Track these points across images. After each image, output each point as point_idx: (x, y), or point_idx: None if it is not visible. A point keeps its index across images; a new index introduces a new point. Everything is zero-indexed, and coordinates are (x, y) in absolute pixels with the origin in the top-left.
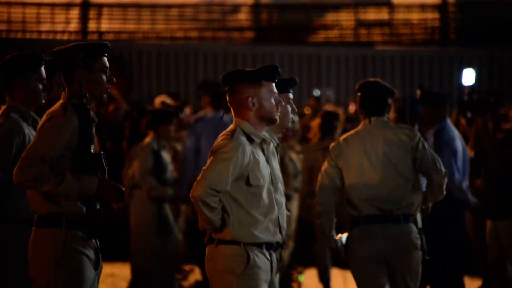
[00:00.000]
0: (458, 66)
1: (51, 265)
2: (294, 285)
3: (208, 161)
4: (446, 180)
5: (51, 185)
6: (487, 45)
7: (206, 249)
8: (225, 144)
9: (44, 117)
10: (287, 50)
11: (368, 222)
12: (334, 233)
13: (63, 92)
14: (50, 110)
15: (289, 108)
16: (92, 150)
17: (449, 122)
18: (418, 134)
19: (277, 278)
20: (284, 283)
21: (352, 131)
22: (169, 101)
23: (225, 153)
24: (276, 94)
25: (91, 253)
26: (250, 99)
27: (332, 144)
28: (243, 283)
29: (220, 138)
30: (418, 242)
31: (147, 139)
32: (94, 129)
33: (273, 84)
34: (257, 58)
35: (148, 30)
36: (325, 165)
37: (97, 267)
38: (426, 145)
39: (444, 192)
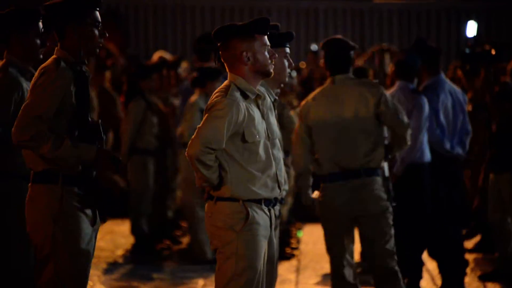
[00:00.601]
0: (456, 19)
1: (48, 222)
2: (293, 241)
3: (203, 119)
4: (409, 131)
5: (49, 148)
6: None
7: (205, 206)
8: (220, 101)
9: (36, 73)
10: (284, 4)
11: (331, 180)
12: (310, 191)
13: (56, 47)
14: (43, 65)
15: (286, 63)
16: (90, 118)
17: (442, 76)
18: (381, 89)
19: (277, 233)
20: (283, 239)
21: (319, 89)
22: (167, 56)
23: (220, 110)
24: (269, 47)
25: (88, 210)
26: (244, 53)
27: (302, 103)
28: (243, 239)
29: (214, 94)
30: (382, 194)
31: (194, 97)
32: (89, 88)
33: (266, 37)
34: (254, 13)
35: None
36: (297, 125)
37: (94, 223)
38: (388, 99)
39: (408, 142)
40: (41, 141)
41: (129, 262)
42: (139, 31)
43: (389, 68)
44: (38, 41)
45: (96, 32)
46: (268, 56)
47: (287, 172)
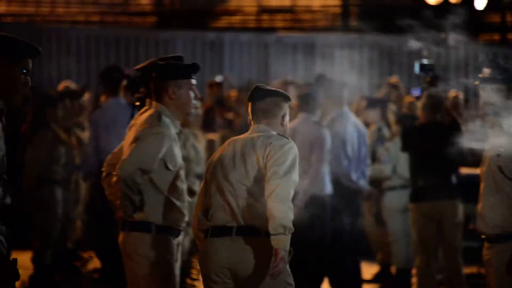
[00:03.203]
0: (358, 52)
1: None
2: (194, 271)
3: (137, 142)
4: None
5: None
6: (386, 31)
7: (120, 235)
8: (156, 125)
9: None
10: (189, 35)
11: None
12: None
13: None
14: None
15: (192, 94)
16: None
17: (345, 109)
18: None
19: (178, 264)
20: (185, 269)
21: None
22: (72, 86)
23: (156, 134)
24: (195, 89)
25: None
26: (171, 89)
27: None
28: (158, 267)
29: (145, 120)
30: None
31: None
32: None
33: (193, 80)
34: (160, 43)
35: (48, 13)
36: None
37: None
38: None
39: None
40: None
41: None
42: (43, 60)
43: (293, 102)
44: None
45: (22, 78)
46: (192, 96)
47: (190, 203)
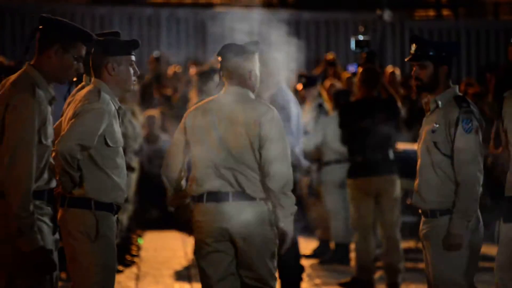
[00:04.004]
0: (295, 28)
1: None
2: (133, 248)
3: (76, 117)
4: None
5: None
6: (323, 7)
7: (59, 212)
8: (95, 100)
9: (7, 89)
10: (126, 11)
11: None
12: None
13: (27, 62)
14: (14, 80)
15: (132, 71)
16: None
17: (284, 86)
18: None
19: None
20: (124, 246)
21: None
22: (5, 61)
23: (95, 110)
24: (134, 65)
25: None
26: (113, 65)
27: None
28: (97, 244)
29: (84, 96)
30: None
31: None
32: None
33: (133, 56)
34: (96, 19)
35: None
36: None
37: (54, 233)
38: None
39: None
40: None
41: None
42: None
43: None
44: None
45: (75, 63)
46: (132, 72)
47: (128, 179)
